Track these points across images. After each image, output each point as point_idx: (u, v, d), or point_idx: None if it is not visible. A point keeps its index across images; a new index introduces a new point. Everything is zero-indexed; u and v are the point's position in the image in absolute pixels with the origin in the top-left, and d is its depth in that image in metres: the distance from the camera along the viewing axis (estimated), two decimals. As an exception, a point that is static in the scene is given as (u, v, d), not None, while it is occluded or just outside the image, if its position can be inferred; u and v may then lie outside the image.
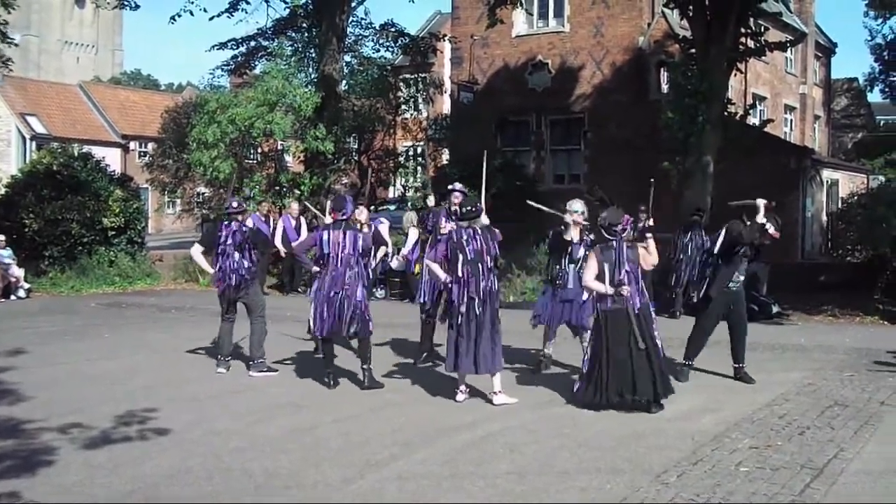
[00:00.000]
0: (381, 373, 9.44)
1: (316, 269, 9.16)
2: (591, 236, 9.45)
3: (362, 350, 9.17)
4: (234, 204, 10.17)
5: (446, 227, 9.99)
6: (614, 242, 8.03)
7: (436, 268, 8.67)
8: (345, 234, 8.98)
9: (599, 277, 7.99)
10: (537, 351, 10.42)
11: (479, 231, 8.31)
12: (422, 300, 10.33)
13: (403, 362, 10.58)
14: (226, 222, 10.06)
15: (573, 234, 9.57)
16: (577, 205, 9.57)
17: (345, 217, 9.05)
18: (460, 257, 8.27)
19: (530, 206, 10.11)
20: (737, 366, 9.47)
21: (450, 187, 10.57)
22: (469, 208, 8.44)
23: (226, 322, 10.12)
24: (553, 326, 9.87)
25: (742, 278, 9.32)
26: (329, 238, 8.98)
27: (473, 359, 8.21)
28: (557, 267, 9.68)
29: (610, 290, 7.93)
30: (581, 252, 9.43)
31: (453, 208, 10.04)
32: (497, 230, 8.53)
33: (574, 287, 9.46)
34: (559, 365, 10.08)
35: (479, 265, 8.22)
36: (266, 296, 11.07)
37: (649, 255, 8.30)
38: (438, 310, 9.96)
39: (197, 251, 10.33)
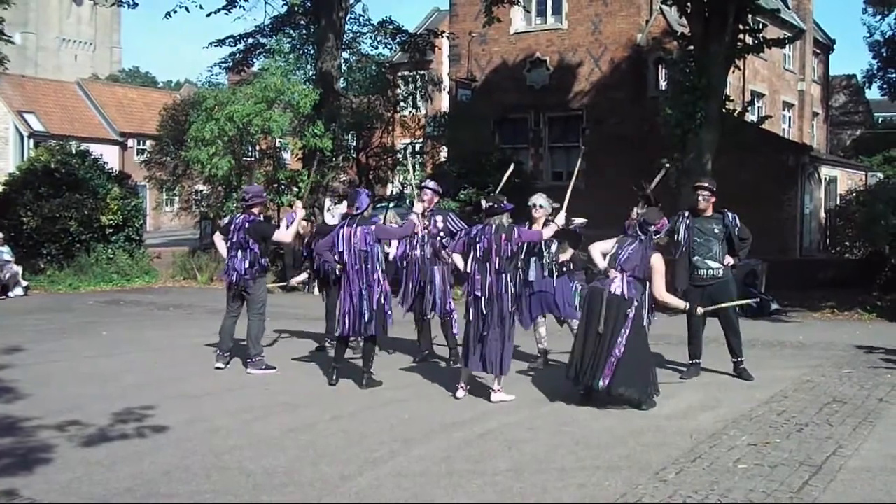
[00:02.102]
0: (379, 370, 9.42)
1: (339, 267, 9.04)
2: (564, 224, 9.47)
3: (366, 351, 9.09)
4: (248, 195, 9.97)
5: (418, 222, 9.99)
6: (642, 237, 8.05)
7: (457, 258, 8.65)
8: (356, 229, 8.88)
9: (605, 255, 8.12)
10: (534, 352, 10.43)
11: (494, 230, 8.24)
12: (405, 302, 10.31)
13: (402, 359, 10.57)
14: (237, 216, 9.97)
15: (559, 220, 9.54)
16: (538, 199, 9.52)
17: (359, 212, 8.98)
18: (471, 253, 8.29)
19: (526, 202, 10.02)
20: (735, 360, 9.43)
21: (423, 184, 10.55)
22: (492, 205, 8.42)
23: (228, 317, 10.07)
24: (525, 322, 9.85)
25: (714, 266, 9.13)
26: (342, 235, 8.89)
27: (481, 357, 8.22)
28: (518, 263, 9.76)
29: (603, 265, 8.01)
30: (540, 245, 9.46)
31: (424, 206, 10.03)
32: (521, 229, 8.45)
33: (537, 278, 9.54)
34: (558, 362, 10.08)
35: (487, 264, 8.20)
36: (270, 294, 11.02)
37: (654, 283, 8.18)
38: (427, 308, 10.02)
39: (219, 238, 10.18)
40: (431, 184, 10.41)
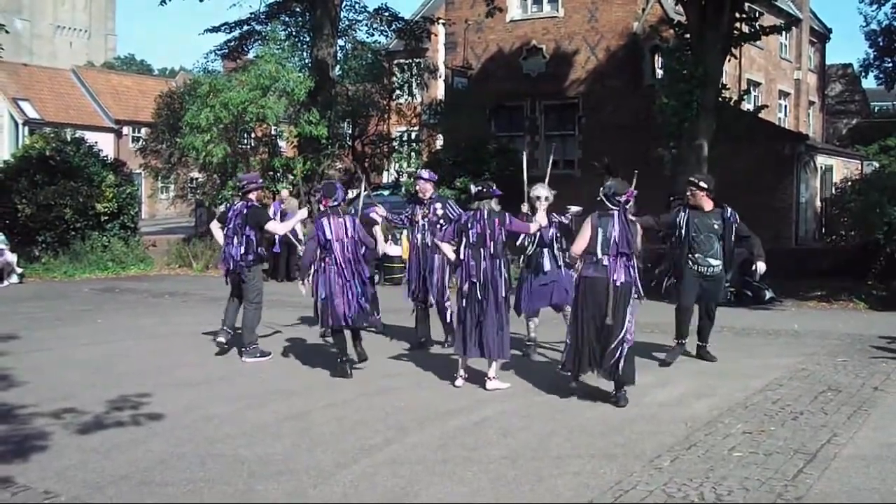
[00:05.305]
0: (374, 357, 9.41)
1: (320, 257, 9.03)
2: (562, 219, 9.43)
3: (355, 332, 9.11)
4: (244, 182, 10.04)
5: (418, 213, 10.06)
6: (615, 212, 7.79)
7: (446, 247, 8.61)
8: (345, 219, 8.90)
9: (591, 244, 7.75)
10: (525, 336, 10.43)
11: (486, 215, 8.24)
12: (409, 289, 10.38)
13: (398, 347, 10.57)
14: (235, 203, 9.98)
15: (540, 219, 9.53)
16: (540, 190, 9.45)
17: (336, 203, 8.97)
18: (463, 240, 8.27)
19: (524, 191, 9.97)
20: (700, 344, 9.63)
21: (417, 174, 10.58)
22: (482, 188, 8.40)
23: (232, 299, 10.16)
24: (529, 312, 9.82)
25: (713, 263, 9.18)
26: (331, 225, 8.83)
27: (479, 343, 8.20)
28: (529, 252, 9.72)
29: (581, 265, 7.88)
30: (551, 233, 9.40)
31: (421, 195, 10.11)
32: (512, 218, 8.43)
33: (551, 269, 9.50)
34: (548, 349, 10.08)
35: (481, 249, 8.19)
36: (265, 282, 11.02)
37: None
38: (429, 295, 10.04)
39: (215, 226, 10.33)
40: (425, 173, 10.40)
